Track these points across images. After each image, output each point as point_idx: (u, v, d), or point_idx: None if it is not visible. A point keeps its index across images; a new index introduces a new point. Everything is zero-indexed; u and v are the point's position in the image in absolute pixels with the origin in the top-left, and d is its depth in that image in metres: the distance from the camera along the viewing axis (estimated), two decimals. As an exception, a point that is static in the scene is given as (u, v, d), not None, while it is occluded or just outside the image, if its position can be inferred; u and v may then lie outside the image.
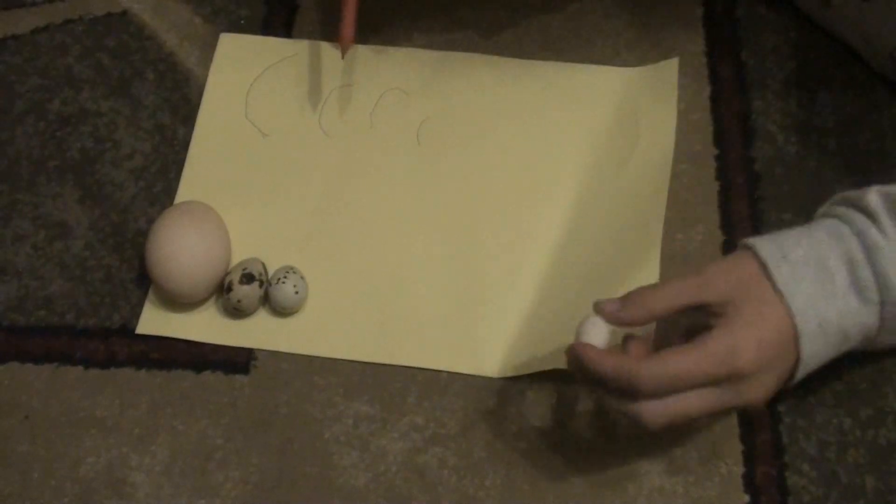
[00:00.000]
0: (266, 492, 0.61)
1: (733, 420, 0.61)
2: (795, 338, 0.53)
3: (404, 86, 0.73)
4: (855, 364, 0.62)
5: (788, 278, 0.54)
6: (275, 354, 0.65)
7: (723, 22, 0.74)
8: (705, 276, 0.55)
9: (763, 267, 0.54)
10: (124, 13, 0.78)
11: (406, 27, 0.75)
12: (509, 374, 0.63)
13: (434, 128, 0.72)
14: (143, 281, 0.67)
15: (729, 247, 0.66)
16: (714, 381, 0.53)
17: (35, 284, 0.69)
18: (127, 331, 0.66)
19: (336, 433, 0.62)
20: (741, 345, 0.52)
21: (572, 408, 0.62)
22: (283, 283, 0.65)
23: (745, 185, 0.68)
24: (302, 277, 0.66)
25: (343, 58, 0.71)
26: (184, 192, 0.71)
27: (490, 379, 0.63)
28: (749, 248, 0.55)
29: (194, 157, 0.72)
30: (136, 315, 0.67)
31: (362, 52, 0.74)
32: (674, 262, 0.65)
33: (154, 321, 0.66)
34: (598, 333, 0.55)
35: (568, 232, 0.67)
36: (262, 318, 0.66)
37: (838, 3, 0.69)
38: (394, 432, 0.62)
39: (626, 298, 0.55)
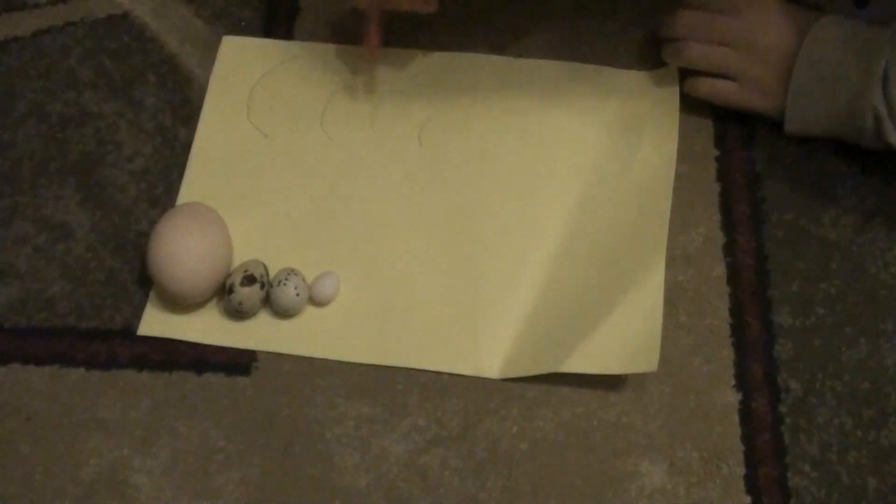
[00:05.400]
0: (267, 493, 0.61)
1: (735, 421, 0.61)
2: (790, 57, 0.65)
3: (406, 87, 0.73)
4: (856, 364, 0.62)
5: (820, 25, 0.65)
6: (276, 356, 0.65)
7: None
8: None
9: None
10: (126, 15, 0.78)
11: (408, 28, 0.75)
12: (510, 375, 0.63)
13: (436, 129, 0.72)
14: (145, 283, 0.67)
15: (730, 248, 0.66)
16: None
17: (37, 286, 0.69)
18: (128, 332, 0.66)
19: (337, 434, 0.62)
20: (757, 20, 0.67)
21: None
22: (285, 285, 0.65)
23: (746, 185, 0.68)
24: (303, 279, 0.66)
25: (372, 60, 0.72)
26: (185, 194, 0.71)
27: (491, 380, 0.63)
28: None
29: (196, 159, 0.72)
30: (138, 317, 0.67)
31: (364, 53, 0.74)
32: (675, 264, 0.65)
33: (156, 323, 0.67)
34: None
35: (570, 233, 0.67)
36: (264, 320, 0.66)
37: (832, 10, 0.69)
38: (395, 434, 0.62)
39: None
